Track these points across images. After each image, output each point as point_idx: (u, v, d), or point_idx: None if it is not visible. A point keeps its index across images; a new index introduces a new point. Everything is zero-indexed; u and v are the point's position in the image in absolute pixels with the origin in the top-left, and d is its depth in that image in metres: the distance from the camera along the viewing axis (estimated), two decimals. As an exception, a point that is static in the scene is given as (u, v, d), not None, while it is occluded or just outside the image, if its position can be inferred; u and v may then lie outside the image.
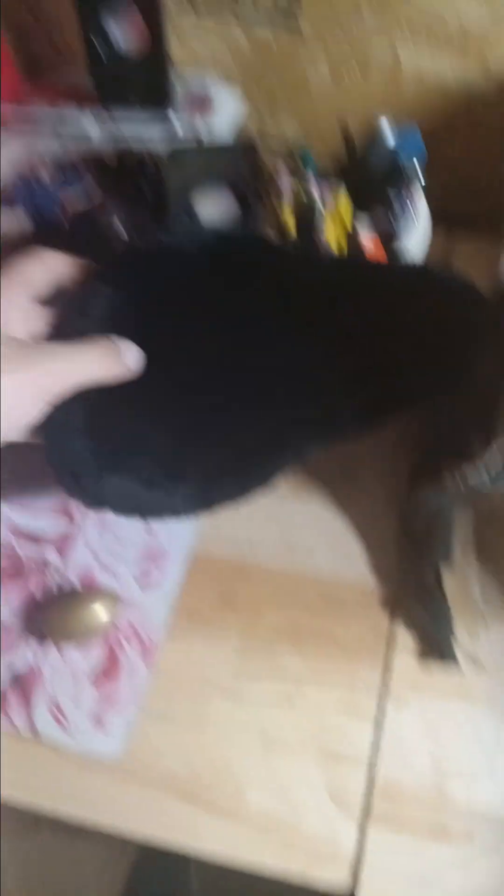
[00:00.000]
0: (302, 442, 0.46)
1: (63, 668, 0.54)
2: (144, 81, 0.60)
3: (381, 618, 0.55)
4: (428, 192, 0.73)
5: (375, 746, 0.51)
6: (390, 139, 0.51)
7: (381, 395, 0.49)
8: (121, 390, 0.42)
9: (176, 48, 0.66)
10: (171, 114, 0.62)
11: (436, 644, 0.51)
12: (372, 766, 0.50)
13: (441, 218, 0.71)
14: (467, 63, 0.60)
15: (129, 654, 0.54)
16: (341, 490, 0.60)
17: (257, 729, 0.52)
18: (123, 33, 0.57)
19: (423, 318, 0.50)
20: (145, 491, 0.42)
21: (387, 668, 0.53)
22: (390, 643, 0.54)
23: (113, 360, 0.39)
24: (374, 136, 0.51)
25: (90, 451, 0.42)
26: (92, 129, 0.64)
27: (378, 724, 0.51)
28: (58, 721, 0.52)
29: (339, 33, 0.60)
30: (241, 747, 0.51)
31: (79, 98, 0.66)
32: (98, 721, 0.52)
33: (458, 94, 0.63)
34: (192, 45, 0.65)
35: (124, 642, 0.55)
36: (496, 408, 0.41)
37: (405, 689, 0.52)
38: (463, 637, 0.51)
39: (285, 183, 0.50)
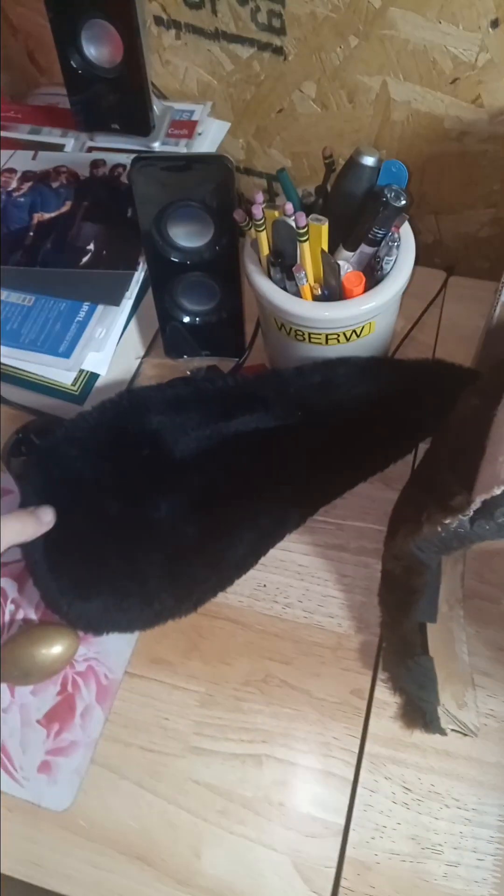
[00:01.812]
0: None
1: (14, 709, 0.51)
2: (124, 104, 0.59)
3: (361, 675, 0.52)
4: (418, 236, 0.72)
5: (349, 816, 0.47)
6: (368, 171, 0.49)
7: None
8: (68, 527, 0.50)
9: (158, 70, 0.64)
10: (153, 139, 0.61)
11: (420, 712, 0.48)
12: (344, 838, 0.47)
13: (440, 264, 0.70)
14: (459, 99, 0.59)
15: (85, 697, 0.52)
16: (324, 536, 0.57)
17: (219, 789, 0.49)
18: (100, 53, 0.56)
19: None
20: (102, 612, 0.49)
21: (365, 731, 0.50)
22: (370, 703, 0.51)
23: (30, 524, 0.47)
24: (351, 167, 0.49)
25: (55, 585, 0.49)
26: (68, 143, 0.63)
27: (353, 792, 0.48)
28: (5, 767, 0.49)
29: (325, 58, 0.59)
30: (199, 807, 0.48)
31: (61, 120, 0.65)
32: (48, 769, 0.49)
33: (452, 128, 0.61)
34: (174, 65, 0.64)
35: (81, 683, 0.52)
36: (476, 451, 0.39)
37: (384, 755, 0.49)
38: (449, 704, 0.48)
39: (258, 209, 0.48)
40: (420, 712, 0.48)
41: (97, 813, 0.48)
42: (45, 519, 0.48)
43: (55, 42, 0.56)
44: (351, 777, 0.49)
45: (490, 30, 0.53)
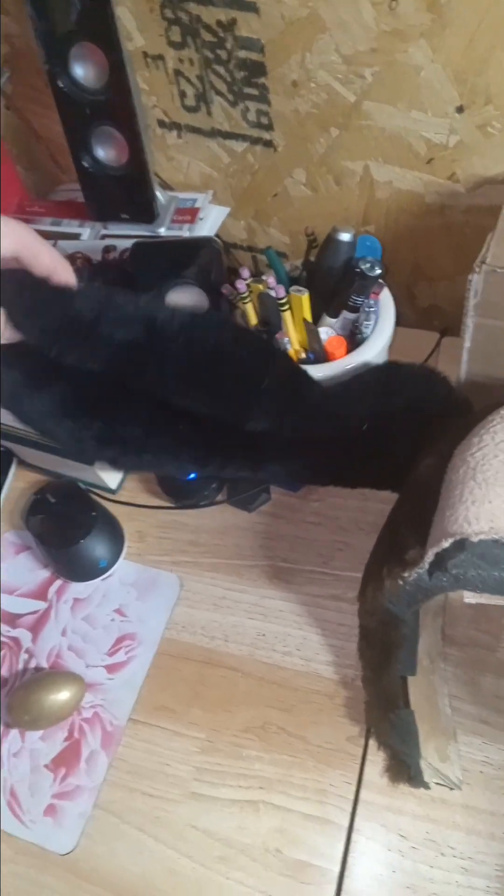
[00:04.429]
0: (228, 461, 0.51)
1: (24, 754, 0.54)
2: (130, 197, 0.66)
3: (356, 723, 0.53)
4: (414, 301, 0.77)
5: (344, 863, 0.48)
6: (345, 246, 0.54)
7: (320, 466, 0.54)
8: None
9: (164, 165, 0.72)
10: (158, 225, 0.67)
11: (404, 766, 0.48)
12: (339, 885, 0.47)
13: (438, 326, 0.74)
14: (436, 177, 0.64)
15: (91, 742, 0.54)
16: (322, 587, 0.59)
17: (218, 835, 0.50)
18: (108, 154, 0.63)
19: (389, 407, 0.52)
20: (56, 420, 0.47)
21: (360, 778, 0.51)
22: (366, 750, 0.52)
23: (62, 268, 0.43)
24: (330, 243, 0.54)
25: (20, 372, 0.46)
26: (84, 233, 0.70)
27: (348, 839, 0.49)
28: (13, 810, 0.52)
29: (311, 147, 0.65)
30: (198, 853, 0.49)
31: (78, 213, 0.72)
32: (53, 812, 0.52)
33: (433, 202, 0.66)
34: (177, 160, 0.71)
35: (87, 729, 0.55)
36: (430, 508, 0.41)
37: (380, 802, 0.50)
38: (432, 757, 0.48)
39: (242, 284, 0.53)
40: (404, 766, 0.48)
41: (100, 857, 0.50)
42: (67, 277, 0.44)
43: (69, 146, 0.64)
44: (346, 824, 0.49)
45: (456, 115, 0.58)
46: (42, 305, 0.43)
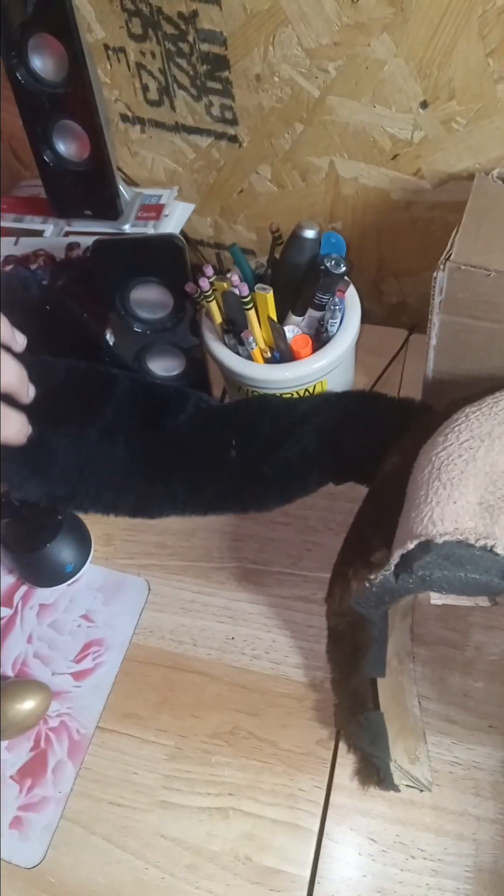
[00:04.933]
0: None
1: (-13, 767, 0.53)
2: (93, 193, 0.64)
3: (326, 726, 0.53)
4: (382, 298, 0.76)
5: (314, 869, 0.48)
6: (310, 242, 0.53)
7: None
8: None
9: (128, 160, 0.70)
10: (123, 222, 0.66)
11: (373, 768, 0.48)
12: (310, 891, 0.47)
13: (406, 323, 0.74)
14: (401, 173, 0.63)
15: (58, 752, 0.53)
16: (290, 588, 0.59)
17: (187, 843, 0.49)
18: (69, 149, 0.61)
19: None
20: None
21: (331, 782, 0.50)
22: (335, 754, 0.51)
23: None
24: (294, 240, 0.54)
25: None
26: (47, 229, 0.68)
27: (318, 844, 0.48)
28: (-24, 824, 0.50)
29: (275, 143, 0.64)
30: (167, 863, 0.49)
31: (41, 209, 0.70)
32: (19, 825, 0.50)
33: (399, 199, 0.66)
34: (142, 156, 0.70)
35: (53, 738, 0.54)
36: (396, 508, 0.40)
37: (349, 805, 0.49)
38: (401, 759, 0.48)
39: (205, 282, 0.52)
40: (374, 769, 0.48)
41: (66, 869, 0.49)
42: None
43: (29, 141, 0.62)
44: (316, 829, 0.49)
45: (420, 110, 0.57)
46: None
